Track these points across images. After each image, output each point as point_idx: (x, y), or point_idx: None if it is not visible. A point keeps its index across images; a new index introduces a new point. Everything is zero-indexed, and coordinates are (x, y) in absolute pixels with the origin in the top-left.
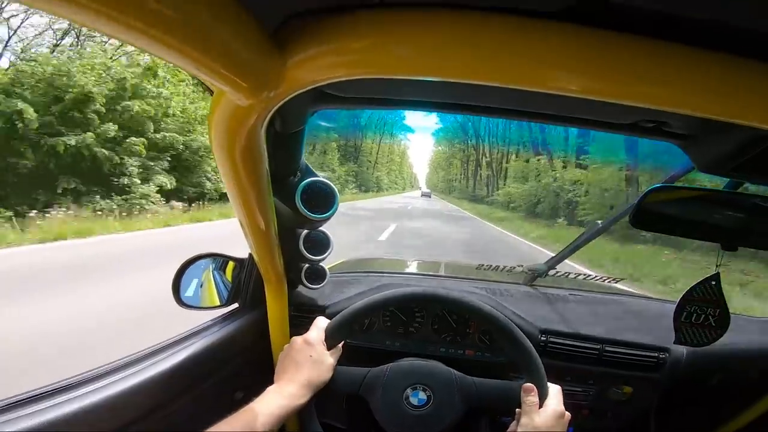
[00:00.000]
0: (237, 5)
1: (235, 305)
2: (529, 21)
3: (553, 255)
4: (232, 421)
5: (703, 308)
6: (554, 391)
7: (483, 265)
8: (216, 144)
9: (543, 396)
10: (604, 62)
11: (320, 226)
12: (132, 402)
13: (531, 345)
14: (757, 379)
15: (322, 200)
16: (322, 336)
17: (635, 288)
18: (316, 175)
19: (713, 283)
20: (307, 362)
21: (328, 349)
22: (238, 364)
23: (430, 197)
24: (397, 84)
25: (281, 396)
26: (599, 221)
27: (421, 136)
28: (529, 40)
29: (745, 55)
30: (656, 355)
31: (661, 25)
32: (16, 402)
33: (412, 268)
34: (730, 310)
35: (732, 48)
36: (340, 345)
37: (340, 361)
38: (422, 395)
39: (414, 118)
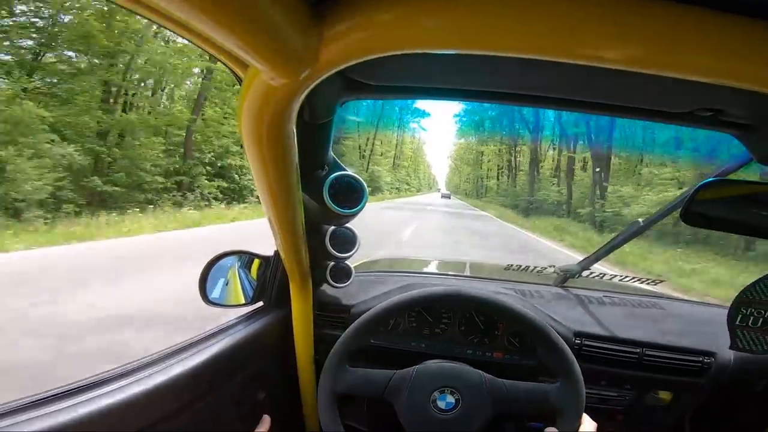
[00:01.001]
0: None
1: (260, 303)
2: None
3: (587, 255)
4: None
5: (761, 310)
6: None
7: (512, 265)
8: (245, 130)
9: (579, 406)
10: (655, 31)
11: (347, 222)
12: (157, 401)
13: (568, 348)
14: None
15: (351, 195)
16: None
17: None
18: (344, 169)
19: None
20: None
21: None
22: (261, 364)
23: (449, 198)
24: (430, 71)
25: None
26: (640, 219)
27: (440, 127)
28: (574, 5)
29: None
30: (701, 359)
31: None
32: (40, 400)
33: (439, 267)
34: None
35: None
36: None
37: (364, 364)
38: (450, 399)
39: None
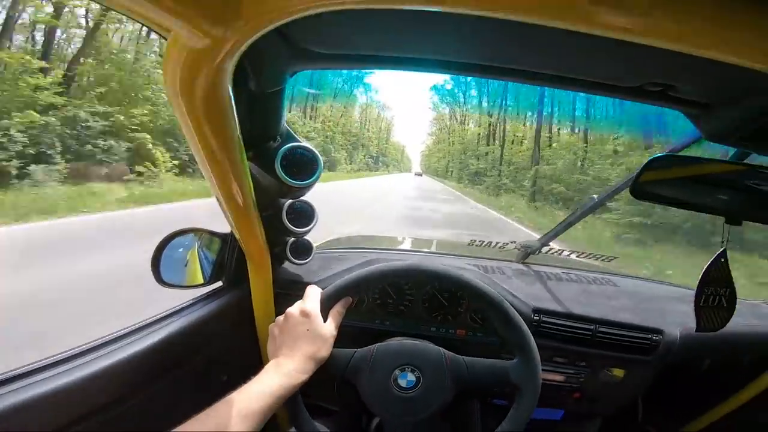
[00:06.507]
0: None
1: (219, 283)
2: None
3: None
4: (230, 401)
5: (718, 289)
6: None
7: (475, 241)
8: (174, 97)
9: (536, 382)
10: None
11: (303, 195)
12: (105, 384)
13: (523, 322)
14: (746, 364)
15: (305, 167)
16: (318, 306)
17: None
18: (298, 141)
19: (722, 260)
20: (305, 336)
21: (325, 320)
22: (221, 345)
23: (421, 175)
24: (386, 39)
25: (281, 374)
26: (595, 195)
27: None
28: None
29: None
30: (649, 336)
31: None
32: None
33: (403, 244)
34: None
35: None
36: (340, 315)
37: None
38: (411, 377)
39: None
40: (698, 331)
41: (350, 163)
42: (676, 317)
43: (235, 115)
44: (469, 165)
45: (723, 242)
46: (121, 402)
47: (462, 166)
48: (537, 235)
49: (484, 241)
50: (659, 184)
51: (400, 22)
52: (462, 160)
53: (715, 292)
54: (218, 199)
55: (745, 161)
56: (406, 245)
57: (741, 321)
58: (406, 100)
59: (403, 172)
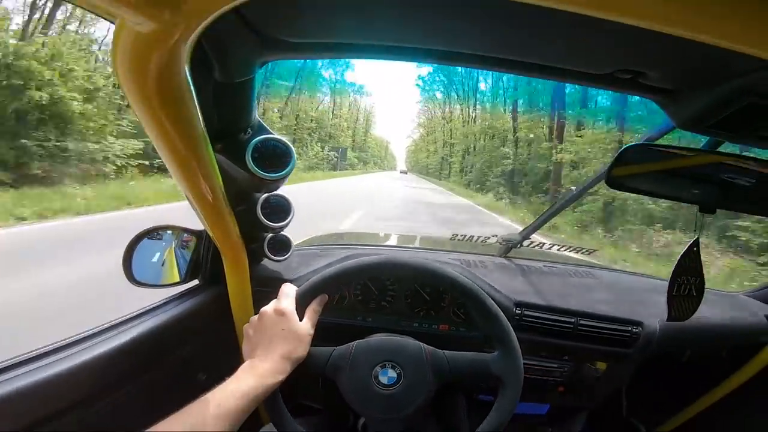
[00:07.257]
0: None
1: (196, 282)
2: None
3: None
4: (205, 401)
5: (689, 278)
6: None
7: (457, 235)
8: (126, 84)
9: (518, 374)
10: None
11: (277, 188)
12: (74, 383)
13: (502, 314)
14: (726, 354)
15: (277, 159)
16: (293, 305)
17: None
18: (270, 132)
19: (695, 249)
20: (280, 335)
21: (301, 318)
22: (198, 344)
23: (407, 173)
24: (362, 25)
25: (256, 375)
26: (573, 188)
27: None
28: None
29: None
30: (630, 329)
31: None
32: None
33: (386, 241)
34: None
35: None
36: (316, 313)
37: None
38: (392, 373)
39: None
40: (669, 320)
41: (301, 158)
42: (655, 309)
43: (197, 105)
44: (502, 160)
45: (696, 231)
46: (90, 402)
47: (483, 162)
48: None
49: (466, 236)
50: (633, 173)
51: (372, 8)
52: (476, 151)
53: (687, 282)
54: (187, 196)
55: (717, 150)
56: (390, 241)
57: (719, 312)
58: (388, 79)
59: (386, 170)
